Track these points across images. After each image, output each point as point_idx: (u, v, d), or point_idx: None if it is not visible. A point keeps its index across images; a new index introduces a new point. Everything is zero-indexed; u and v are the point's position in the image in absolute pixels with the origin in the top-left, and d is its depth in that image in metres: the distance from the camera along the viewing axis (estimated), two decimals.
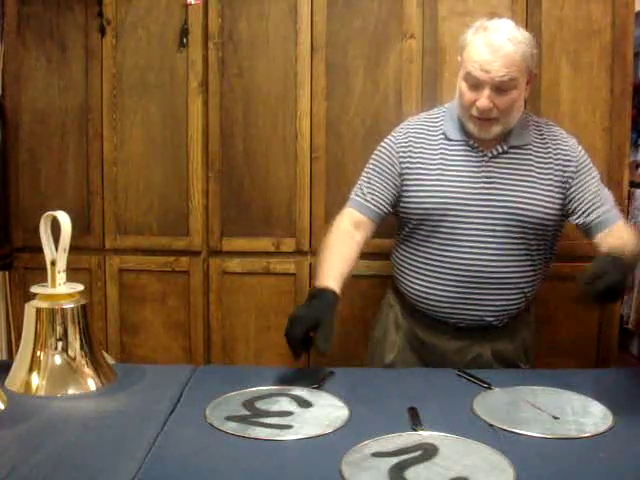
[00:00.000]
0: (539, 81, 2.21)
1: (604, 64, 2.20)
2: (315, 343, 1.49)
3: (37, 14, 2.32)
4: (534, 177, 1.69)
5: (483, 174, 1.68)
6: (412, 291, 1.78)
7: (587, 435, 1.26)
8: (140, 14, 2.29)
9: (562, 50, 2.21)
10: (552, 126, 1.80)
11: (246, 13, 2.27)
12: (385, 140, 1.81)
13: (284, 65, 2.27)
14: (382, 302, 1.94)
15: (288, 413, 1.35)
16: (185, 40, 2.28)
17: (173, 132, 2.32)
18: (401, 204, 1.75)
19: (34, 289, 1.51)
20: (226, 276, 2.35)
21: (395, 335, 1.85)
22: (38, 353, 1.46)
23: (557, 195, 1.70)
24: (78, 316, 1.49)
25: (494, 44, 1.58)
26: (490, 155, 1.69)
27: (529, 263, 1.72)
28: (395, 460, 1.14)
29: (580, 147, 1.76)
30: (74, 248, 1.54)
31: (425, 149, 1.73)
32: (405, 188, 1.74)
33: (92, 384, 1.48)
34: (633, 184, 3.65)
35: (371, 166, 1.79)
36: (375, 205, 1.75)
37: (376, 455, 1.17)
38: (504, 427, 1.29)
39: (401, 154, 1.75)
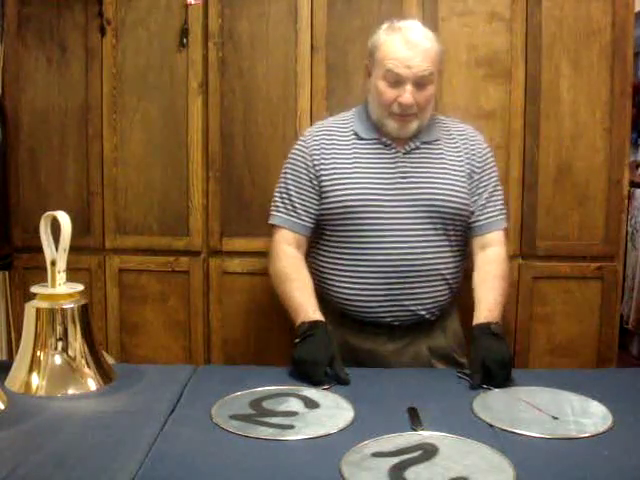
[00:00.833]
0: (539, 81, 2.21)
1: (604, 64, 2.20)
2: (341, 378, 1.51)
3: (37, 14, 2.32)
4: (447, 169, 1.74)
5: (398, 169, 1.72)
6: (340, 295, 1.76)
7: (587, 435, 1.26)
8: (140, 14, 2.29)
9: (562, 50, 2.21)
10: (458, 123, 1.86)
11: (246, 13, 2.27)
12: (294, 149, 1.82)
13: (284, 65, 2.27)
14: None
15: (293, 413, 1.35)
16: (185, 40, 2.28)
17: (173, 132, 2.32)
18: (321, 205, 1.76)
19: (34, 289, 1.51)
20: (226, 276, 2.35)
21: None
22: (38, 353, 1.46)
23: (467, 186, 1.76)
24: (78, 316, 1.49)
25: (412, 41, 1.65)
26: (403, 151, 1.74)
27: (450, 254, 1.76)
28: (395, 460, 1.14)
29: (486, 144, 1.83)
30: (74, 248, 1.54)
31: (338, 149, 1.76)
32: (323, 189, 1.75)
33: (92, 384, 1.48)
34: (633, 184, 3.67)
35: (289, 179, 1.79)
36: (307, 220, 1.77)
37: (376, 455, 1.17)
38: (504, 427, 1.29)
39: (314, 157, 1.76)
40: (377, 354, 1.75)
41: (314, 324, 1.60)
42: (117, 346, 2.39)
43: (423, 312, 1.74)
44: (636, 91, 2.34)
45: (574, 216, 2.26)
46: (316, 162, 1.76)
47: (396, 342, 1.76)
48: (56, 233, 1.50)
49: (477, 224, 1.78)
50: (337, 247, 1.76)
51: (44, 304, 1.48)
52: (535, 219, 2.26)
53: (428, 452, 1.17)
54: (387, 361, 1.74)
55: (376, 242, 1.70)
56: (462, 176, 1.75)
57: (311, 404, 1.40)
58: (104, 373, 1.52)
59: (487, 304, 1.66)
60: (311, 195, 1.76)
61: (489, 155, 1.81)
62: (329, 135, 1.79)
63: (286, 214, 1.78)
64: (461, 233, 1.78)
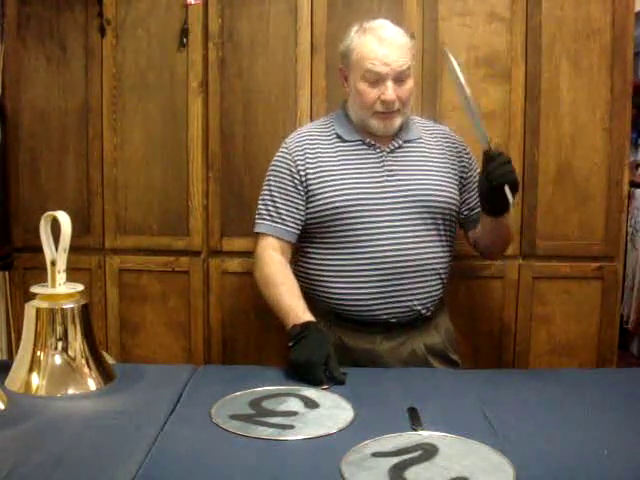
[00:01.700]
0: (539, 81, 2.21)
1: (604, 64, 2.20)
2: (335, 378, 1.51)
3: (37, 14, 2.32)
4: (432, 165, 1.78)
5: (385, 168, 1.74)
6: (334, 296, 1.75)
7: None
8: (140, 14, 2.29)
9: (562, 50, 2.21)
10: (438, 124, 1.93)
11: (246, 13, 2.27)
12: (276, 156, 1.82)
13: (284, 65, 2.27)
14: None
15: (293, 413, 1.35)
16: (185, 40, 2.28)
17: (173, 132, 2.32)
18: (309, 209, 1.75)
19: (34, 289, 1.51)
20: (226, 276, 2.36)
21: None
22: (38, 353, 1.46)
23: (456, 182, 1.81)
24: (78, 316, 1.49)
25: (387, 38, 1.68)
26: (388, 150, 1.75)
27: (441, 248, 1.78)
28: (395, 460, 1.14)
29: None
30: (74, 248, 1.54)
31: (322, 152, 1.77)
32: (311, 193, 1.75)
33: (92, 384, 1.48)
34: (633, 184, 3.67)
35: (273, 186, 1.79)
36: (293, 226, 1.77)
37: (376, 455, 1.17)
38: (504, 425, 1.29)
39: (298, 162, 1.76)
40: (373, 353, 1.75)
41: (306, 325, 1.60)
42: (117, 346, 2.38)
43: (419, 307, 1.75)
44: (636, 91, 2.33)
45: (574, 216, 2.26)
46: (300, 167, 1.76)
47: (392, 340, 1.76)
48: (56, 233, 1.50)
49: (476, 217, 1.83)
50: (328, 249, 1.76)
51: (44, 304, 1.48)
52: (535, 219, 2.26)
53: (428, 452, 1.17)
54: (384, 360, 1.74)
55: (368, 240, 1.71)
56: (448, 172, 1.79)
57: (311, 404, 1.40)
58: (104, 373, 1.52)
59: None
60: (296, 201, 1.76)
61: (471, 155, 1.87)
62: (312, 139, 1.79)
63: (271, 221, 1.77)
64: (450, 227, 1.80)
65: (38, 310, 1.48)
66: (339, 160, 1.75)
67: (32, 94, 2.35)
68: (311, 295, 1.80)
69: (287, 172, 1.77)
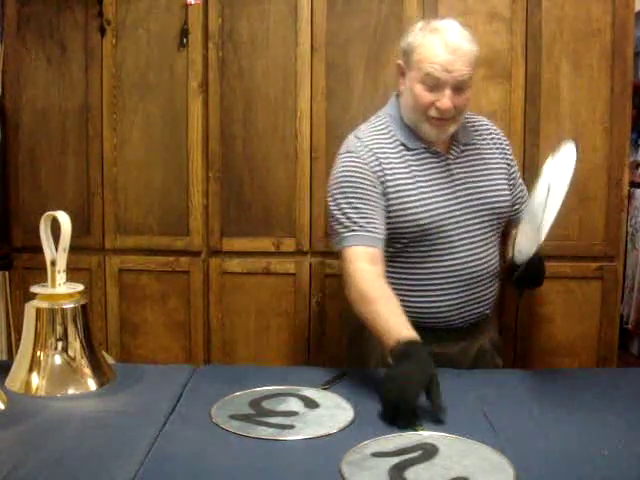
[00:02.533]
0: (539, 81, 2.21)
1: (604, 64, 2.20)
2: (436, 405, 1.33)
3: (37, 14, 2.32)
4: (491, 169, 1.76)
5: (452, 177, 1.71)
6: (413, 308, 1.69)
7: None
8: (140, 14, 2.29)
9: (562, 50, 2.21)
10: (477, 117, 1.84)
11: (246, 13, 2.27)
12: (349, 164, 1.66)
13: (284, 65, 2.27)
14: (365, 335, 1.67)
15: (293, 413, 1.35)
16: (185, 40, 2.28)
17: (173, 132, 2.32)
18: (389, 227, 1.66)
19: (34, 289, 1.51)
20: (226, 276, 2.35)
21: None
22: (38, 353, 1.46)
23: (507, 181, 1.79)
24: (78, 316, 1.49)
25: (453, 44, 1.59)
26: (452, 157, 1.72)
27: (496, 247, 1.79)
28: (395, 460, 1.14)
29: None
30: (74, 248, 1.54)
31: (394, 163, 1.67)
32: (392, 207, 1.65)
33: (92, 384, 1.48)
34: (633, 184, 3.67)
35: (351, 195, 1.63)
36: (378, 232, 1.62)
37: (376, 455, 1.16)
38: (504, 425, 1.29)
39: (378, 173, 1.65)
40: (446, 357, 1.70)
41: (411, 343, 1.44)
42: (117, 346, 2.39)
43: (487, 309, 1.77)
44: (636, 91, 2.34)
45: (574, 216, 2.26)
46: (380, 177, 1.65)
47: (462, 342, 1.76)
48: (56, 233, 1.50)
49: (515, 216, 1.82)
50: (409, 262, 1.71)
51: (44, 304, 1.48)
52: None
53: (428, 452, 1.17)
54: (455, 362, 1.72)
55: (448, 254, 1.68)
56: (501, 172, 1.78)
57: (311, 404, 1.40)
58: (104, 373, 1.52)
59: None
60: (381, 209, 1.65)
61: (509, 143, 1.85)
62: (380, 149, 1.68)
63: (358, 231, 1.61)
64: (502, 228, 1.81)
65: (38, 310, 1.47)
66: (411, 172, 1.68)
67: (32, 94, 2.35)
68: None
69: (368, 181, 1.64)
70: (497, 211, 1.74)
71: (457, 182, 1.70)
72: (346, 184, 1.64)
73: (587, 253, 2.27)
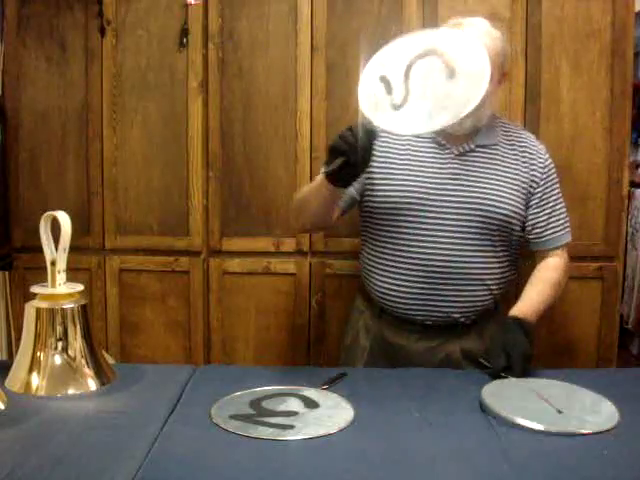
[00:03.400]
0: (539, 81, 2.21)
1: (604, 64, 2.20)
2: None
3: (37, 14, 2.32)
4: (500, 175, 1.72)
5: (449, 171, 1.70)
6: (379, 290, 1.77)
7: (585, 432, 1.26)
8: (140, 14, 2.29)
9: (562, 50, 2.21)
10: (522, 131, 1.82)
11: (246, 13, 2.27)
12: None
13: (284, 65, 2.27)
14: (352, 308, 1.93)
15: (293, 413, 1.35)
16: (185, 40, 2.28)
17: (173, 132, 2.32)
18: (367, 198, 1.75)
19: (34, 289, 1.51)
20: (226, 276, 2.36)
21: (365, 340, 1.84)
22: (38, 353, 1.46)
23: (522, 196, 1.73)
24: (78, 316, 1.49)
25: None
26: (457, 152, 1.71)
27: (494, 259, 1.73)
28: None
29: (548, 156, 1.79)
30: (74, 248, 1.54)
31: (391, 146, 1.73)
32: (370, 181, 1.73)
33: (92, 384, 1.48)
34: (633, 184, 3.67)
35: None
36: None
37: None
38: (504, 425, 1.29)
39: (375, 144, 1.68)
40: (409, 351, 1.75)
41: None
42: (117, 346, 2.39)
43: (457, 315, 1.73)
44: (636, 91, 2.34)
45: (574, 216, 2.25)
46: (375, 146, 1.66)
47: (428, 341, 1.75)
48: (56, 233, 1.50)
49: (540, 240, 1.77)
50: (380, 242, 1.75)
51: (44, 304, 1.48)
52: None
53: None
54: (418, 359, 1.73)
55: (416, 240, 1.69)
56: (516, 184, 1.72)
57: (311, 404, 1.40)
58: (104, 373, 1.52)
59: (527, 303, 1.70)
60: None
61: (551, 167, 1.77)
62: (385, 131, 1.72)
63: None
64: (509, 240, 1.74)
65: (38, 310, 1.47)
66: (405, 155, 1.72)
67: (32, 94, 2.35)
68: (365, 286, 1.83)
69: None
70: (489, 219, 1.69)
71: (451, 176, 1.69)
72: None
73: (587, 253, 2.27)
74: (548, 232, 1.77)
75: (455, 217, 1.69)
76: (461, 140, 1.72)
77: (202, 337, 2.37)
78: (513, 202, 1.71)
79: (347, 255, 2.27)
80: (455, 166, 1.71)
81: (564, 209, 1.79)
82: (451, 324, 1.74)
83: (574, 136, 2.24)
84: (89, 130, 2.34)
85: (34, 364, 1.46)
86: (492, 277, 1.74)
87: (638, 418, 1.33)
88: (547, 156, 1.78)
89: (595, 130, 2.23)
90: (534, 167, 1.75)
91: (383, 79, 1.50)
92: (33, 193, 2.38)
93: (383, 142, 1.72)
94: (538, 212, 1.75)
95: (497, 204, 1.69)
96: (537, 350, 2.28)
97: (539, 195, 1.75)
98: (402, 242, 1.71)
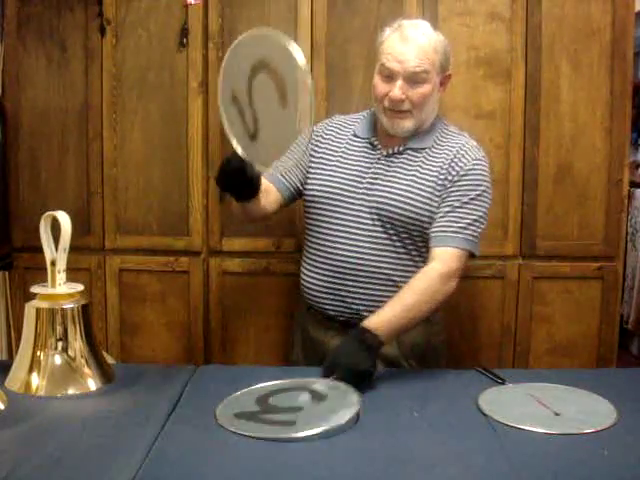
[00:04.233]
0: (539, 81, 2.21)
1: (604, 64, 2.20)
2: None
3: (37, 14, 2.32)
4: (415, 178, 1.71)
5: (373, 171, 1.74)
6: (302, 282, 1.84)
7: (585, 432, 1.26)
8: (140, 14, 2.29)
9: (562, 50, 2.21)
10: (461, 137, 1.76)
11: (246, 13, 2.27)
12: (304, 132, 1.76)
13: None
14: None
15: (297, 409, 1.35)
16: (185, 40, 2.28)
17: (173, 132, 2.32)
18: (304, 190, 1.81)
19: (34, 289, 1.51)
20: (226, 276, 2.36)
21: (298, 334, 1.91)
22: (38, 353, 1.47)
23: (435, 197, 1.69)
24: (78, 316, 1.49)
25: (408, 36, 1.66)
26: (385, 154, 1.74)
27: (405, 257, 1.72)
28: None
29: (476, 162, 1.70)
30: (74, 248, 1.54)
31: (331, 143, 1.81)
32: (307, 174, 1.80)
33: (92, 384, 1.48)
34: (633, 184, 3.67)
35: (289, 149, 1.67)
36: (287, 180, 1.80)
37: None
38: (504, 425, 1.29)
39: (312, 143, 1.80)
40: (326, 346, 1.75)
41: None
42: (117, 346, 2.39)
43: (365, 313, 1.68)
44: (636, 91, 2.34)
45: (574, 216, 2.26)
46: (312, 146, 1.80)
47: (339, 336, 1.71)
48: (56, 233, 1.50)
49: (431, 234, 1.70)
50: (308, 235, 1.83)
51: (44, 304, 1.48)
52: (535, 219, 2.25)
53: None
54: (328, 352, 1.67)
55: (329, 236, 1.75)
56: (428, 186, 1.69)
57: (318, 397, 1.39)
58: (104, 373, 1.52)
59: (383, 316, 1.59)
60: (297, 165, 1.80)
61: (472, 172, 1.69)
62: (332, 128, 1.84)
63: (275, 171, 1.79)
64: (421, 237, 1.72)
65: (38, 310, 1.48)
66: (340, 154, 1.78)
67: (32, 94, 2.35)
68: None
69: (304, 142, 1.67)
70: (395, 219, 1.69)
71: (372, 177, 1.73)
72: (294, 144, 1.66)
73: (587, 253, 2.27)
74: (436, 229, 1.68)
75: (362, 215, 1.72)
76: (395, 142, 1.74)
77: (202, 337, 2.37)
78: (423, 205, 1.68)
79: None
80: (380, 167, 1.74)
81: (467, 216, 1.67)
82: (362, 321, 1.64)
83: (574, 136, 2.24)
84: (89, 130, 2.34)
85: (34, 364, 1.46)
86: (400, 275, 1.72)
87: (638, 418, 1.33)
88: (474, 163, 1.70)
89: (595, 130, 2.23)
90: (452, 168, 1.69)
91: (235, 100, 1.51)
92: (33, 193, 2.38)
93: (326, 139, 1.82)
94: (440, 208, 1.69)
95: (400, 205, 1.69)
96: (537, 350, 2.31)
97: (446, 193, 1.68)
98: (319, 236, 1.78)
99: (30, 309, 1.49)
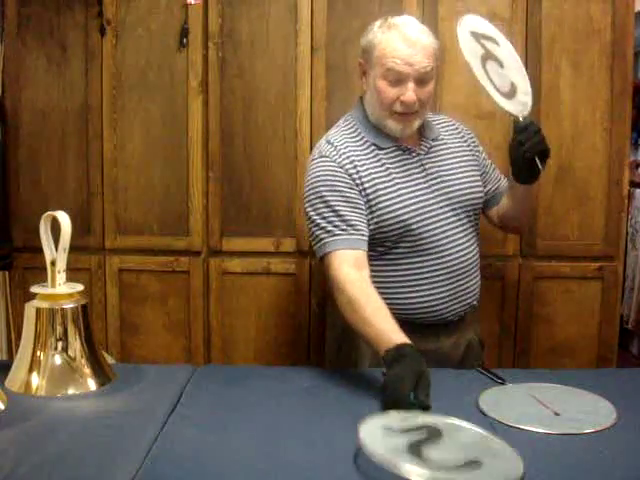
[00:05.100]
0: (539, 82, 2.21)
1: (604, 64, 2.20)
2: (420, 400, 1.32)
3: (37, 14, 2.32)
4: (462, 162, 1.78)
5: (426, 172, 1.72)
6: (404, 306, 1.69)
7: (584, 432, 1.26)
8: (140, 14, 2.29)
9: (562, 50, 2.21)
10: (437, 114, 1.90)
11: (246, 13, 2.27)
12: (322, 169, 1.65)
13: (284, 65, 2.27)
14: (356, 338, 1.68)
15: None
16: (185, 40, 2.28)
17: (173, 132, 2.32)
18: (372, 225, 1.66)
19: (34, 289, 1.51)
20: (226, 276, 2.36)
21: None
22: (38, 353, 1.46)
23: (478, 173, 1.81)
24: (78, 316, 1.49)
25: (411, 38, 1.61)
26: (423, 153, 1.73)
27: (476, 240, 1.80)
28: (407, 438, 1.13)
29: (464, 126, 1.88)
30: (74, 248, 1.54)
31: (368, 164, 1.67)
32: (372, 206, 1.65)
33: (92, 384, 1.48)
34: (633, 184, 3.67)
35: (331, 199, 1.62)
36: (360, 234, 1.62)
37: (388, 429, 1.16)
38: (504, 425, 1.29)
39: (353, 176, 1.64)
40: (438, 353, 1.72)
41: (400, 347, 1.42)
42: (117, 346, 2.39)
43: (475, 302, 1.80)
44: (636, 91, 2.34)
45: (574, 216, 2.26)
46: (355, 177, 1.64)
47: (453, 336, 1.77)
48: (56, 233, 1.50)
49: (497, 192, 1.85)
50: (396, 260, 1.70)
51: (44, 304, 1.48)
52: (535, 219, 2.26)
53: (433, 434, 1.17)
54: (447, 357, 1.74)
55: (434, 247, 1.69)
56: (472, 164, 1.80)
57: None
58: (104, 373, 1.52)
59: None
60: (362, 210, 1.64)
61: (474, 134, 1.88)
62: (352, 150, 1.68)
63: (341, 235, 1.60)
64: (478, 219, 1.82)
65: (38, 310, 1.47)
66: (387, 170, 1.68)
67: (32, 94, 2.35)
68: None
69: (344, 183, 1.63)
70: (472, 202, 1.75)
71: (431, 177, 1.72)
72: (323, 187, 1.63)
73: (587, 253, 2.27)
74: (501, 184, 1.86)
75: (451, 211, 1.71)
76: (416, 140, 1.74)
77: (202, 337, 2.37)
78: (479, 180, 1.80)
79: None
80: (428, 165, 1.73)
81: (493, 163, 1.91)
82: (466, 313, 1.78)
83: (574, 136, 2.24)
84: (89, 130, 2.34)
85: (34, 364, 1.46)
86: (479, 256, 1.81)
87: (638, 418, 1.33)
88: (465, 128, 1.87)
89: (595, 130, 2.23)
90: (472, 142, 1.84)
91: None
92: (33, 193, 2.38)
93: (361, 163, 1.66)
94: (492, 173, 1.87)
95: (472, 186, 1.76)
96: (537, 350, 2.31)
97: (484, 160, 1.86)
98: (419, 253, 1.68)
99: (30, 309, 1.49)
